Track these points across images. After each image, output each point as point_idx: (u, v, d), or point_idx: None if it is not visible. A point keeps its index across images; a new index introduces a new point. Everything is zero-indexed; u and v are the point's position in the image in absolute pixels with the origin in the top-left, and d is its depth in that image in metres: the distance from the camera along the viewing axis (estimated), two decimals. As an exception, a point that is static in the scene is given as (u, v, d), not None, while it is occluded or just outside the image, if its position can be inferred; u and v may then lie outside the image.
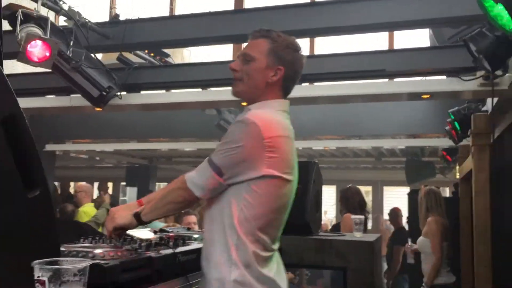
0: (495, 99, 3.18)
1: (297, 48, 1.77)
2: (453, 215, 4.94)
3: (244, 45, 5.74)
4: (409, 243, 4.92)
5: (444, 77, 3.54)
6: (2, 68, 0.94)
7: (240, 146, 1.58)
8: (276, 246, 1.72)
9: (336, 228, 4.79)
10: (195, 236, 2.32)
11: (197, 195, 1.64)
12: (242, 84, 1.74)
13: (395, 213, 6.74)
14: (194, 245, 2.01)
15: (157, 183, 11.89)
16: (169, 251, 1.81)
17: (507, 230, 3.41)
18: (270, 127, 1.59)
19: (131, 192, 12.29)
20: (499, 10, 1.77)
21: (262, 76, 1.71)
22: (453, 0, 3.01)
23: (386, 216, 8.47)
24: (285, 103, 1.76)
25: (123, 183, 11.72)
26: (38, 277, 0.85)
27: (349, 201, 4.99)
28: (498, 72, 2.87)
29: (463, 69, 3.20)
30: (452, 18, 3.11)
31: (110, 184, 12.92)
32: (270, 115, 1.66)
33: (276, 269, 1.68)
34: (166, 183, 12.32)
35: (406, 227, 6.30)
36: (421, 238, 4.58)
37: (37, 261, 0.85)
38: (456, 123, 3.97)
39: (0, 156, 0.91)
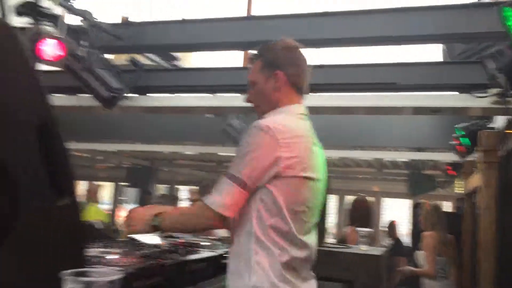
0: (504, 117, 3.17)
1: (289, 47, 1.76)
2: (456, 230, 4.94)
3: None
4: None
5: (454, 92, 3.52)
6: (40, 76, 0.92)
7: (258, 152, 1.57)
8: (301, 252, 1.61)
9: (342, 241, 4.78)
10: (203, 243, 2.31)
11: (227, 215, 1.56)
12: (259, 108, 1.77)
13: (392, 226, 6.86)
14: (204, 254, 2.00)
15: (156, 185, 11.87)
16: (180, 259, 1.80)
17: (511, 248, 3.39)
18: (284, 129, 1.59)
19: (131, 193, 12.26)
20: (521, 30, 1.77)
21: (268, 90, 1.73)
22: (470, 16, 3.00)
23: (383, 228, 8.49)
24: (299, 107, 1.74)
25: (123, 183, 11.69)
26: (69, 289, 0.83)
27: (352, 213, 5.00)
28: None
29: (474, 86, 3.19)
30: (468, 34, 3.10)
31: (109, 184, 12.91)
32: (282, 119, 1.66)
33: (298, 276, 1.59)
34: (166, 185, 12.36)
35: (409, 238, 6.33)
36: (419, 252, 4.64)
37: (67, 271, 0.84)
38: (466, 139, 3.95)
39: (32, 165, 0.90)
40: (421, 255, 4.57)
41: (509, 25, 1.80)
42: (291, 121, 1.66)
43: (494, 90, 2.93)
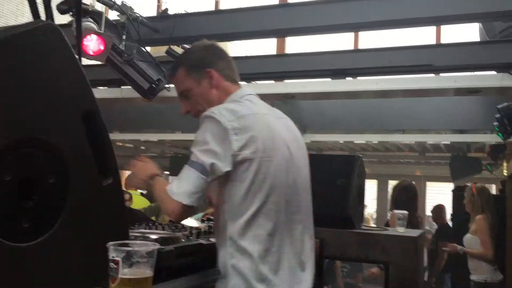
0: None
1: (207, 45, 1.79)
2: (499, 213, 4.85)
3: (288, 39, 5.79)
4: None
5: (493, 72, 3.46)
6: (83, 69, 1.03)
7: (208, 140, 1.54)
8: (279, 238, 1.57)
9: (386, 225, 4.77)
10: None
11: (186, 203, 1.52)
12: (200, 113, 1.65)
13: (439, 209, 6.64)
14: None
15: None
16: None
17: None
18: (228, 112, 1.55)
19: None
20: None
21: (204, 90, 1.72)
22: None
23: (428, 213, 8.34)
24: (240, 92, 1.72)
25: (167, 173, 12.00)
26: (113, 257, 0.94)
27: (395, 198, 4.98)
28: (552, 68, 2.80)
29: (513, 65, 3.13)
30: (504, 12, 3.05)
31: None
32: (224, 105, 1.64)
33: (277, 266, 1.55)
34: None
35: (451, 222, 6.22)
36: (468, 236, 4.57)
37: (111, 242, 0.95)
38: (504, 119, 3.87)
39: (80, 147, 1.01)
40: (471, 239, 4.51)
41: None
42: (236, 105, 1.62)
43: (534, 68, 2.87)
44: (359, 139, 7.38)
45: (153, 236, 1.60)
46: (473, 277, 4.53)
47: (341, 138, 7.01)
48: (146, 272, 0.99)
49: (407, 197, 5.05)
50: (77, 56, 1.04)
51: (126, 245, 0.96)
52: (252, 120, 1.57)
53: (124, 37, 3.42)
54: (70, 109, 1.00)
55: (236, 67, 1.79)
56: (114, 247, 0.94)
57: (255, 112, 1.63)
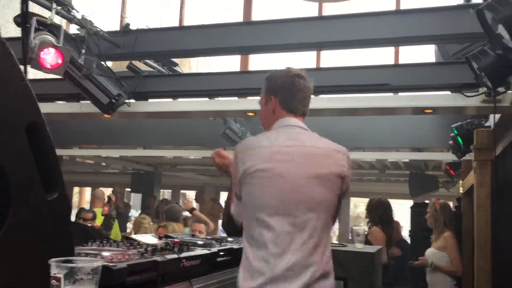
0: (498, 115, 3.22)
1: (283, 74, 2.06)
2: (455, 229, 4.97)
3: (251, 56, 5.82)
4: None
5: (448, 92, 3.58)
6: (28, 80, 1.00)
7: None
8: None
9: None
10: (200, 242, 2.38)
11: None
12: (263, 125, 2.15)
13: (395, 226, 6.75)
14: (198, 251, 2.07)
15: (161, 190, 11.94)
16: (174, 256, 1.87)
17: (507, 245, 3.43)
18: (244, 144, 1.97)
19: (136, 198, 12.33)
20: (500, 30, 1.83)
21: (266, 112, 2.10)
22: (459, 17, 3.07)
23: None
24: (287, 120, 2.02)
25: (128, 189, 11.78)
26: (55, 274, 0.91)
27: (371, 214, 5.07)
28: (501, 89, 2.93)
29: (467, 85, 3.25)
30: (457, 35, 3.18)
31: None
32: (256, 136, 2.02)
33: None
34: (170, 190, 12.40)
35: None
36: (433, 251, 4.62)
37: (54, 259, 0.91)
38: (459, 138, 4.01)
39: (23, 160, 0.98)
40: (436, 254, 4.56)
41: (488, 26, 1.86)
42: (267, 135, 1.98)
43: (484, 90, 2.98)
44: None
45: (105, 253, 1.56)
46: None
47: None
48: (89, 289, 0.96)
49: (390, 214, 5.18)
50: (22, 67, 1.01)
51: (70, 261, 0.93)
52: (255, 152, 1.91)
53: (83, 51, 3.36)
54: (12, 121, 0.96)
55: (305, 99, 2.05)
56: (56, 264, 0.91)
57: (262, 146, 1.93)
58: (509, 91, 2.91)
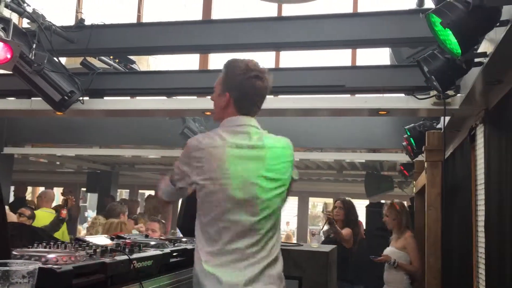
0: (448, 118, 3.33)
1: (246, 72, 1.97)
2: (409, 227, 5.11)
3: (210, 55, 5.79)
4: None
5: (401, 94, 3.68)
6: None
7: (178, 160, 2.00)
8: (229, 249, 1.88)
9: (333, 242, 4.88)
10: (152, 243, 2.33)
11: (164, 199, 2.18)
12: (214, 114, 2.10)
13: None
14: (150, 252, 2.03)
15: (118, 190, 11.71)
16: (124, 257, 1.83)
17: (455, 244, 3.56)
18: (199, 142, 1.93)
19: (92, 198, 12.05)
20: (447, 34, 1.88)
21: (218, 104, 2.05)
22: (412, 21, 3.16)
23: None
24: (238, 119, 2.00)
25: (84, 189, 11.50)
26: (-13, 278, 0.87)
27: (348, 215, 5.14)
28: (451, 92, 3.03)
29: (419, 88, 3.34)
30: (410, 38, 3.27)
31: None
32: (208, 133, 1.99)
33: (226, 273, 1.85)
34: (127, 190, 12.20)
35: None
36: (393, 250, 4.70)
37: (-14, 262, 0.87)
38: (411, 139, 4.12)
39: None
40: (397, 254, 4.64)
41: (437, 30, 1.92)
42: (218, 133, 1.95)
43: (434, 92, 3.08)
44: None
45: (50, 255, 1.51)
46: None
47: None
48: (25, 293, 0.92)
49: (356, 214, 5.28)
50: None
51: (5, 264, 0.89)
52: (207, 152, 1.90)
53: (34, 46, 3.25)
54: None
55: (261, 99, 2.02)
56: (-12, 267, 0.87)
57: (215, 146, 1.92)
58: (458, 94, 3.01)
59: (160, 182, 2.18)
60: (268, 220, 1.92)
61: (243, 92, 1.99)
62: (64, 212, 5.49)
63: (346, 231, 5.01)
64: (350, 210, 5.26)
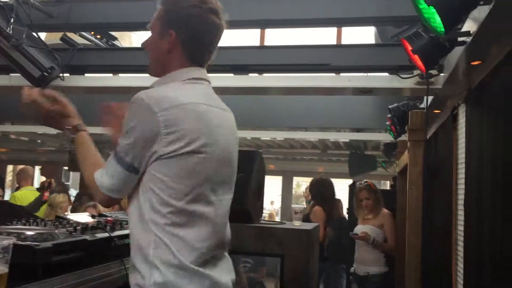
0: (430, 97, 3.35)
1: (197, 3, 1.53)
2: (391, 207, 5.18)
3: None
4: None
5: (385, 74, 3.68)
6: None
7: (132, 127, 1.43)
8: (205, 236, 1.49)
9: (307, 220, 4.95)
10: (134, 221, 2.33)
11: (116, 197, 1.51)
12: (150, 65, 1.62)
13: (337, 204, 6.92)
14: (132, 230, 2.03)
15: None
16: (105, 234, 1.82)
17: (436, 222, 3.61)
18: (163, 100, 1.42)
19: (75, 178, 11.96)
20: (432, 13, 1.87)
21: (158, 46, 1.56)
22: (398, 0, 3.14)
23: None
24: (192, 71, 1.56)
25: (66, 168, 11.38)
26: (-40, 254, 0.85)
27: (312, 192, 5.23)
28: (434, 72, 3.03)
29: (402, 67, 3.34)
30: (395, 17, 3.25)
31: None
32: (164, 88, 1.51)
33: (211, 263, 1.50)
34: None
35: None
36: (370, 227, 4.77)
37: (-41, 238, 0.85)
38: (394, 119, 4.14)
39: None
40: (374, 231, 4.73)
41: (421, 8, 1.91)
42: (175, 88, 1.51)
43: (418, 72, 3.08)
44: (265, 135, 7.52)
45: (29, 232, 1.49)
46: (372, 268, 4.72)
47: (247, 134, 7.09)
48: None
49: (330, 192, 5.35)
50: None
51: (-22, 240, 0.87)
52: (179, 111, 1.44)
53: (12, 20, 3.16)
54: None
55: (215, 46, 1.60)
56: (-40, 243, 0.85)
57: (185, 102, 1.47)
58: (442, 74, 3.02)
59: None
60: None
61: (196, 31, 1.53)
62: (46, 194, 5.44)
63: (316, 209, 5.11)
64: (314, 188, 5.34)
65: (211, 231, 1.50)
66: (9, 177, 14.40)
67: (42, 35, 3.95)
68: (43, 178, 7.07)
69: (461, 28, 2.18)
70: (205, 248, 1.47)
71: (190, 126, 1.44)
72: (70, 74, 3.94)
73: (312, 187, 5.60)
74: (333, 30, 5.96)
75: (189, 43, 1.55)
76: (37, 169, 9.42)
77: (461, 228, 2.97)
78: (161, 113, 1.40)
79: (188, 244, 1.43)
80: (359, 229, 4.86)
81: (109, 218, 2.20)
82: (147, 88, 4.52)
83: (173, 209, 1.42)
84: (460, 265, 2.98)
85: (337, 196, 6.34)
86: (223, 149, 1.55)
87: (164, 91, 1.48)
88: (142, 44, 1.66)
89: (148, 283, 1.39)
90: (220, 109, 1.62)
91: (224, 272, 1.56)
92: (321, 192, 5.43)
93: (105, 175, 1.50)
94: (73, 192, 13.62)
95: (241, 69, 3.63)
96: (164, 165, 1.42)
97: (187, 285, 1.39)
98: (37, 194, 5.61)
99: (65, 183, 12.03)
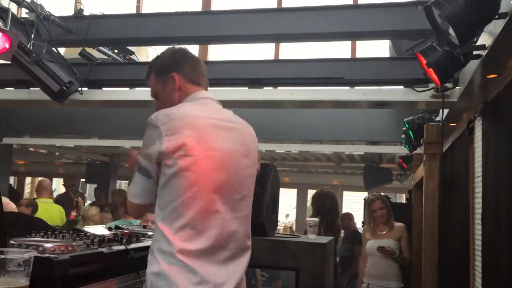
0: (446, 110, 3.33)
1: (175, 50, 1.91)
2: (407, 220, 5.12)
3: (210, 46, 5.76)
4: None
5: (400, 87, 3.67)
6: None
7: (145, 142, 1.71)
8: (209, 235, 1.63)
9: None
10: (150, 233, 2.34)
11: (137, 203, 1.71)
12: (159, 106, 1.85)
13: (347, 218, 6.82)
14: (148, 242, 2.04)
15: (118, 181, 11.71)
16: (121, 247, 1.84)
17: (452, 235, 3.57)
18: (166, 114, 1.66)
19: (92, 189, 12.05)
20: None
21: (169, 93, 1.84)
22: (412, 13, 3.15)
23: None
24: (198, 93, 1.84)
25: (83, 180, 11.51)
26: (-17, 266, 0.87)
27: (312, 206, 5.15)
28: (449, 85, 3.02)
29: (418, 81, 3.33)
30: (410, 31, 3.26)
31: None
32: (172, 108, 1.74)
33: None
34: (126, 181, 12.20)
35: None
36: (391, 241, 4.69)
37: (-18, 250, 0.88)
38: (410, 132, 4.12)
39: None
40: (393, 244, 4.64)
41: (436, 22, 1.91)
42: (185, 106, 1.76)
43: (433, 85, 3.07)
44: (280, 148, 7.53)
45: (48, 245, 1.52)
46: (391, 284, 4.62)
47: (262, 147, 7.11)
48: (20, 281, 0.93)
49: (330, 204, 5.27)
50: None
51: (1, 253, 0.90)
52: (184, 122, 1.65)
53: (32, 35, 3.24)
54: None
55: (204, 71, 1.91)
56: (-16, 255, 0.87)
57: (192, 116, 1.70)
58: (457, 87, 3.01)
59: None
60: None
61: (186, 63, 1.87)
62: (73, 214, 5.50)
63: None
64: (319, 200, 5.27)
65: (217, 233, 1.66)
66: (27, 189, 14.60)
67: (61, 50, 4.04)
68: (62, 189, 7.15)
69: (476, 42, 2.18)
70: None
71: (188, 132, 1.63)
72: (88, 88, 4.02)
73: (312, 200, 5.54)
74: (347, 44, 5.98)
75: (189, 74, 1.86)
76: (58, 182, 9.53)
77: (478, 242, 2.93)
78: (163, 127, 1.63)
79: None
80: (384, 242, 4.73)
81: (125, 231, 2.22)
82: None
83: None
84: (478, 280, 2.94)
85: (353, 209, 6.30)
86: (220, 155, 1.69)
87: (171, 109, 1.72)
88: (151, 96, 1.94)
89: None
90: (230, 122, 1.81)
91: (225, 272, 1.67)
92: (319, 204, 5.35)
93: (131, 184, 1.76)
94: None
95: (256, 82, 3.66)
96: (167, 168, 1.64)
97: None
98: (53, 205, 5.66)
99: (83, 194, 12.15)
